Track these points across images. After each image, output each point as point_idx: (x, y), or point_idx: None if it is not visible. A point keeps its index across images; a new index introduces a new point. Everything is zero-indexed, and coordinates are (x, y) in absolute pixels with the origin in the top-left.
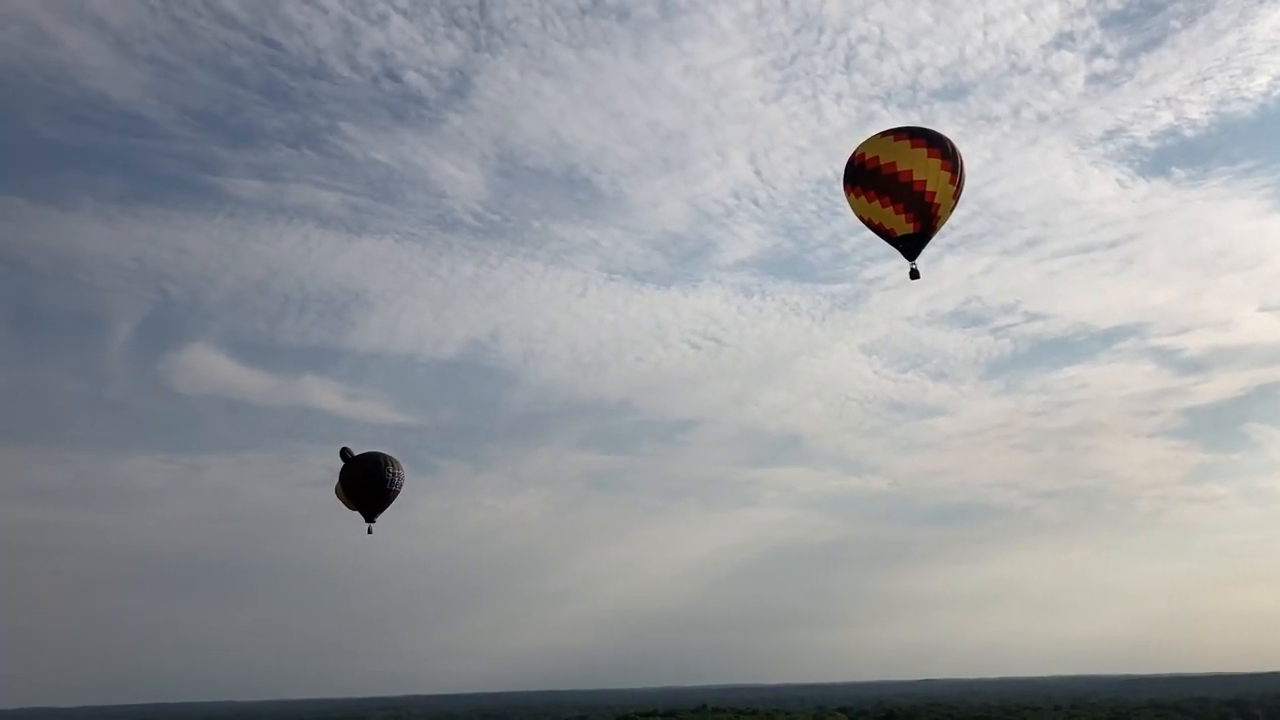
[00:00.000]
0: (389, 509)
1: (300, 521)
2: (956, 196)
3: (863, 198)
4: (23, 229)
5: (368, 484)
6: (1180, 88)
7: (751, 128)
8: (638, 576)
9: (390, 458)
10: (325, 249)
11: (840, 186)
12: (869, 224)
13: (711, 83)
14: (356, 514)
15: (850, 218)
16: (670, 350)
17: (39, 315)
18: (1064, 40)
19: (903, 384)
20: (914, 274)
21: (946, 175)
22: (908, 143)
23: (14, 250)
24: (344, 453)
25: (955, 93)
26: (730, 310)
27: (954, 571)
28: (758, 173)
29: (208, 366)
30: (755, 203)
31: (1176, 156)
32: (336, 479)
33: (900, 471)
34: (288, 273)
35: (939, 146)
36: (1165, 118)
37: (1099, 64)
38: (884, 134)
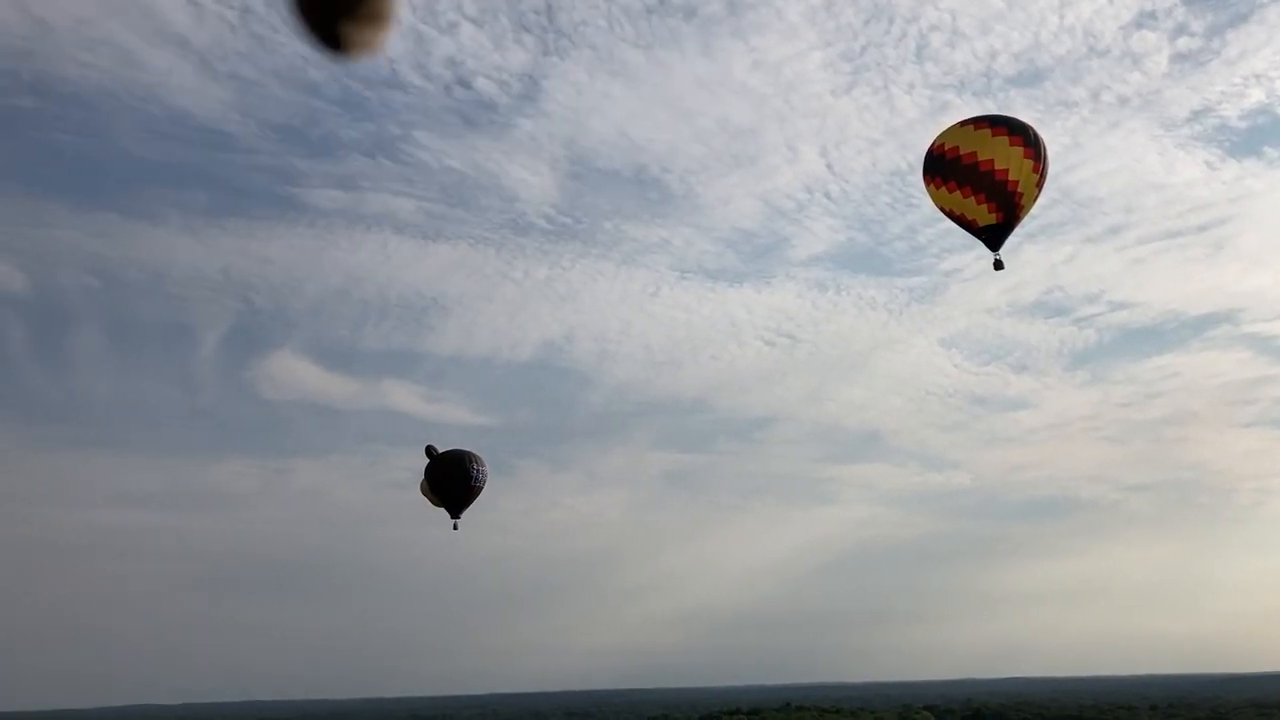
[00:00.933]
0: (472, 506)
1: (385, 522)
2: (1040, 185)
3: (943, 189)
4: (116, 244)
5: (453, 480)
6: (1270, 64)
7: (822, 121)
8: (718, 574)
9: (474, 455)
10: (403, 255)
11: (916, 177)
12: (950, 215)
13: (781, 77)
14: (441, 511)
15: (926, 209)
16: (745, 348)
17: (133, 327)
18: (1145, 20)
19: (984, 377)
20: (998, 265)
21: (1030, 164)
22: (988, 131)
23: (109, 265)
24: (429, 450)
25: (1031, 78)
26: (805, 306)
27: (1042, 567)
28: (829, 166)
29: (293, 373)
30: (828, 196)
31: (1269, 135)
32: (421, 477)
33: (983, 466)
34: (367, 279)
35: (1021, 134)
36: (1256, 96)
37: (1183, 43)
38: (964, 123)
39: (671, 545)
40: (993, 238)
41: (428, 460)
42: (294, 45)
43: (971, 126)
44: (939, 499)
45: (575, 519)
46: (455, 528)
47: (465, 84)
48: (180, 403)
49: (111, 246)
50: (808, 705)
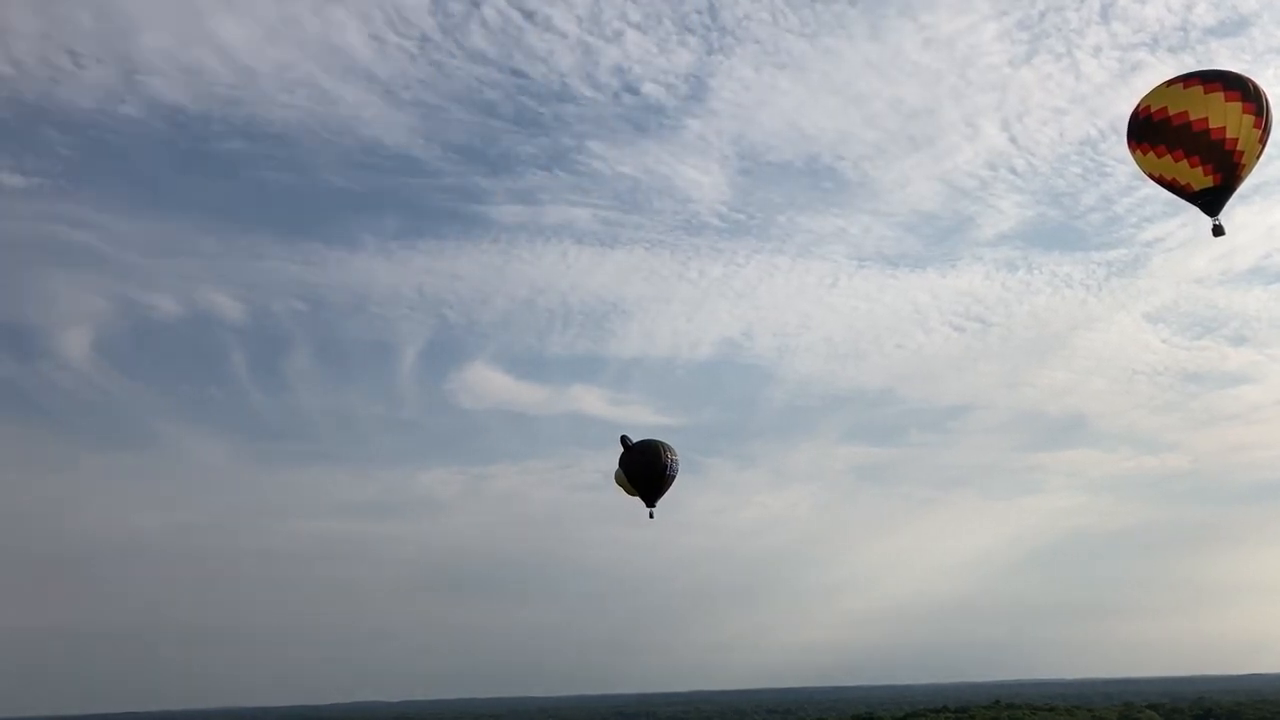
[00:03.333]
0: (663, 502)
1: (581, 523)
2: (1264, 141)
3: (1151, 153)
4: (320, 270)
5: (646, 469)
6: None
7: (1002, 94)
8: (918, 569)
9: (666, 444)
10: (582, 264)
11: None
12: (1161, 181)
13: (955, 52)
14: (635, 507)
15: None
16: (931, 334)
17: (339, 346)
18: None
19: (1197, 352)
20: (1218, 230)
21: (1250, 119)
22: (1200, 88)
23: (316, 290)
24: (624, 440)
25: (1234, 27)
26: (994, 287)
27: (1276, 554)
28: (1013, 140)
29: (486, 382)
30: (1013, 172)
31: None
32: (616, 468)
33: (1202, 448)
34: (550, 289)
35: (1238, 88)
36: None
37: None
38: (1171, 82)
39: (867, 540)
40: (1210, 202)
41: (622, 450)
42: (469, 68)
43: (1181, 85)
44: (1154, 484)
45: (767, 516)
46: (651, 516)
47: (633, 90)
48: (386, 415)
49: (316, 273)
50: (1019, 703)
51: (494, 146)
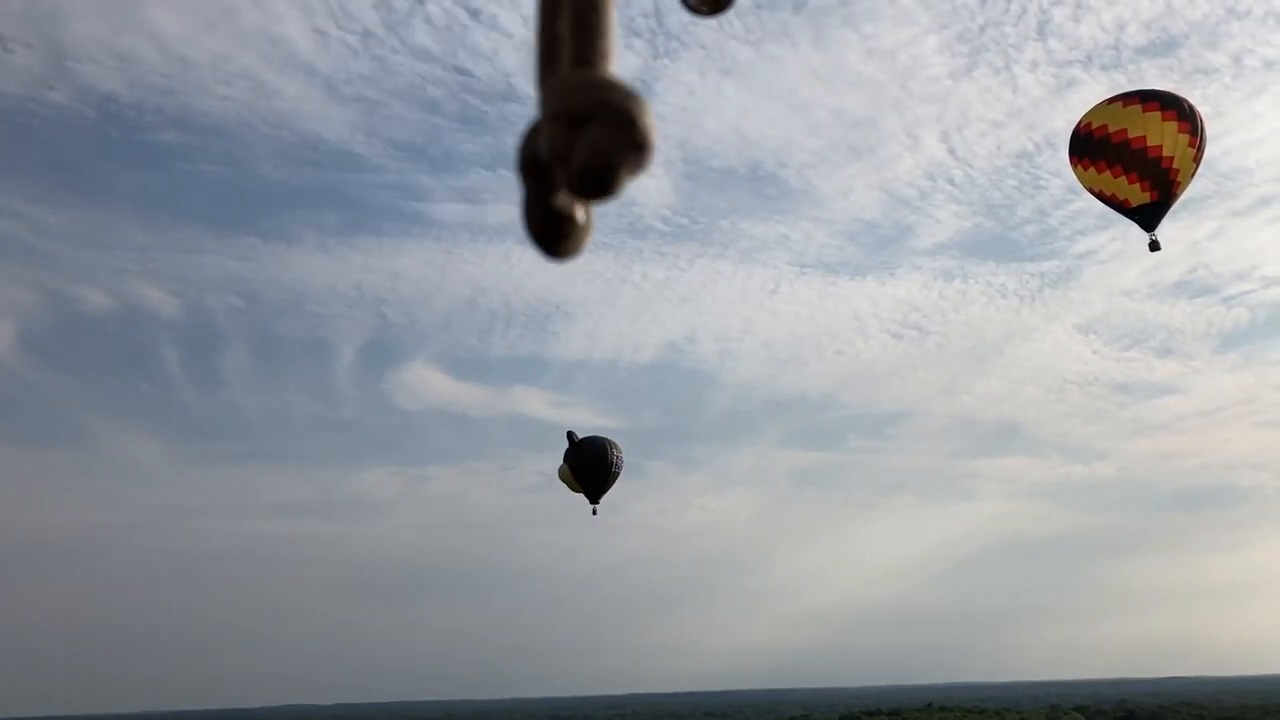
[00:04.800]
0: (604, 505)
1: (521, 526)
2: (1198, 160)
3: (1092, 169)
4: (257, 266)
5: (592, 466)
6: None
7: (942, 106)
8: (856, 573)
9: (612, 441)
10: (525, 265)
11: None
12: (1100, 196)
13: (897, 64)
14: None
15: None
16: (871, 341)
17: (277, 344)
18: None
19: (1126, 363)
20: (1154, 245)
21: (1185, 138)
22: (1139, 107)
23: (252, 286)
24: (570, 436)
25: (1164, 47)
26: (932, 296)
27: (1200, 561)
28: (951, 151)
29: (426, 382)
30: (951, 183)
31: None
32: (561, 464)
33: (1131, 456)
34: (493, 289)
35: (1175, 108)
36: None
37: None
38: (1112, 100)
39: (806, 544)
40: (1147, 218)
41: (569, 446)
42: (412, 64)
43: (1120, 103)
44: (1084, 491)
45: (707, 519)
46: (595, 512)
47: None
48: (323, 414)
49: (252, 269)
50: (951, 706)
51: (437, 144)
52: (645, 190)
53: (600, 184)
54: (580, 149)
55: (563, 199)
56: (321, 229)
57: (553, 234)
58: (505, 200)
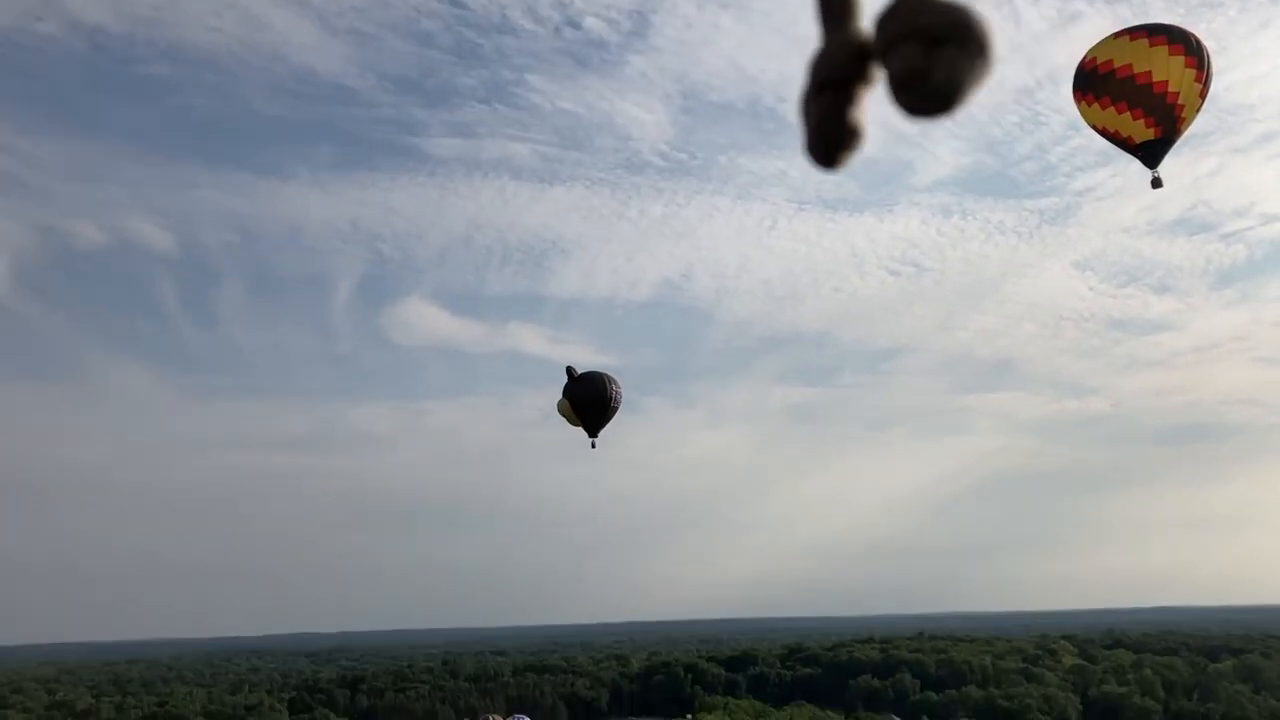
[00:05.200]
0: (601, 440)
1: (519, 460)
2: (1203, 96)
3: (1095, 105)
4: (252, 201)
5: (591, 399)
6: None
7: None
8: (849, 506)
9: (610, 375)
10: (521, 200)
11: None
12: (1104, 133)
13: None
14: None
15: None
16: (868, 278)
17: (273, 279)
18: None
19: (1122, 300)
20: (1156, 183)
21: (1191, 74)
22: (1145, 41)
23: (247, 221)
24: (569, 371)
25: None
26: (929, 233)
27: (1188, 494)
28: None
29: (423, 318)
30: (951, 119)
31: None
32: (561, 397)
33: (1124, 391)
34: (488, 225)
35: (1182, 42)
36: None
37: None
38: (1118, 34)
39: (800, 478)
40: (1150, 154)
41: (568, 379)
42: None
43: (1127, 37)
44: (1077, 426)
45: (703, 454)
46: (593, 446)
47: (574, 24)
48: (320, 350)
49: (247, 204)
50: (942, 635)
51: (431, 78)
52: (642, 125)
53: (948, 102)
54: (940, 68)
55: (859, 113)
56: (316, 164)
57: (847, 146)
58: (500, 135)
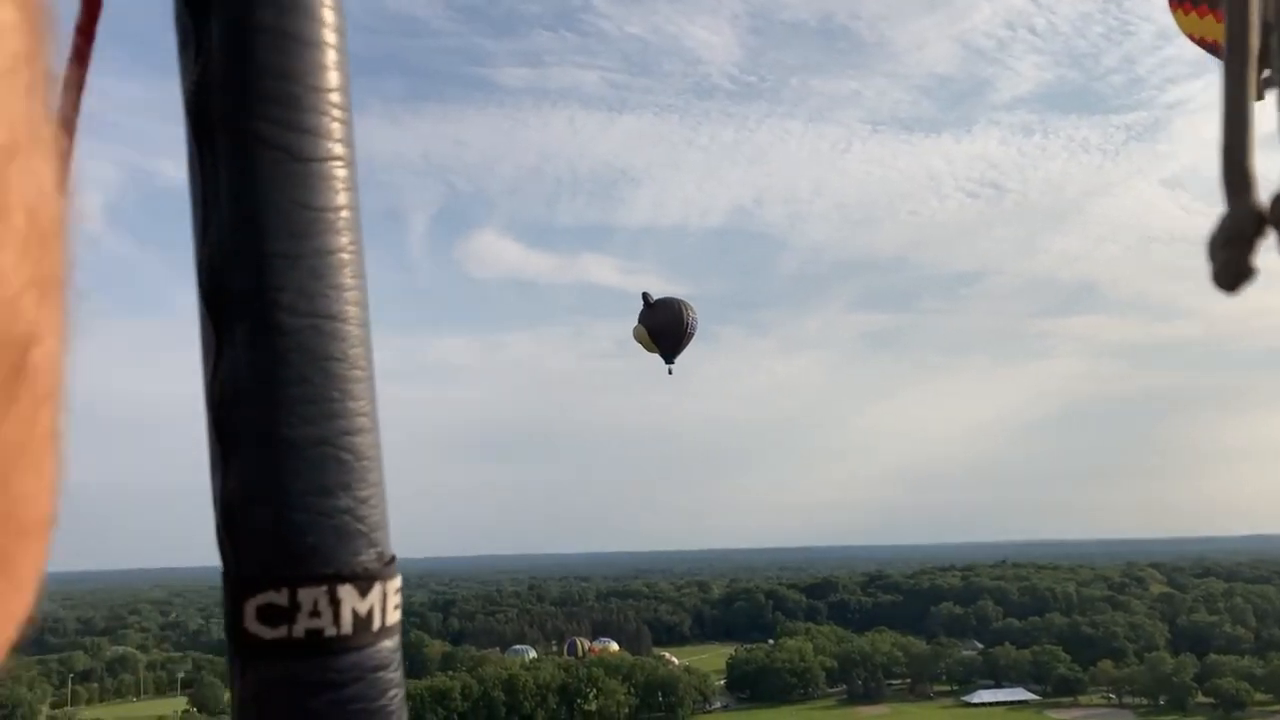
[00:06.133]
0: (680, 358)
1: (595, 389)
2: None
3: (1194, 13)
4: None
5: (668, 325)
6: None
7: None
8: (927, 434)
9: (686, 302)
10: (590, 130)
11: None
12: (1201, 43)
13: None
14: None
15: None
16: (946, 200)
17: None
18: None
19: (1216, 218)
20: (1259, 93)
21: None
22: None
23: None
24: (645, 297)
25: None
26: (1010, 153)
27: None
28: None
29: (497, 251)
30: (1033, 32)
31: None
32: (636, 324)
33: (1217, 314)
34: (558, 156)
35: None
36: None
37: None
38: None
39: (878, 406)
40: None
41: (644, 306)
42: None
43: None
44: (1166, 351)
45: (777, 382)
46: (670, 371)
47: None
48: (400, 283)
49: None
50: (1024, 562)
51: (497, 5)
52: (710, 47)
53: None
54: None
55: (1255, 258)
56: (386, 97)
57: (1247, 281)
58: (568, 63)
